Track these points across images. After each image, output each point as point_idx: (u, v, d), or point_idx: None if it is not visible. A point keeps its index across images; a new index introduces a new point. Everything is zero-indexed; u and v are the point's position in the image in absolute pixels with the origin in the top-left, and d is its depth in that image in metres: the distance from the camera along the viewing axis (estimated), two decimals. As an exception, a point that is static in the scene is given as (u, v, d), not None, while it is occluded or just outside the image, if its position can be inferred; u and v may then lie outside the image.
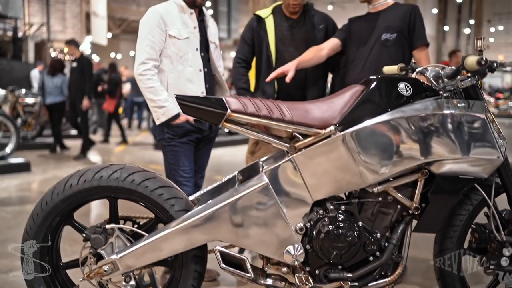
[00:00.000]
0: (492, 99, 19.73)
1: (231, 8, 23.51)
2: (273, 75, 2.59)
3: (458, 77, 1.67)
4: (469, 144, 1.65)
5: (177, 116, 2.52)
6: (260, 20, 2.99)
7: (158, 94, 2.49)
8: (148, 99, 2.52)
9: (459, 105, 1.69)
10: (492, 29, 25.82)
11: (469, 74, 1.68)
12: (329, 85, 3.19)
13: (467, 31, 27.22)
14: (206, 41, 2.71)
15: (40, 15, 17.27)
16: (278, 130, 1.75)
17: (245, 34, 3.05)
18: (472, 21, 20.89)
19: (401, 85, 1.70)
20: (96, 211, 4.29)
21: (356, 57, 2.81)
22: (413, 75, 1.84)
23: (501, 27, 25.94)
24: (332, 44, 2.85)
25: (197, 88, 2.61)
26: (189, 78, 2.58)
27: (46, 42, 17.00)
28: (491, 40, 26.27)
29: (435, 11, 27.00)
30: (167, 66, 2.56)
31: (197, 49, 2.62)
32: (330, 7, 23.58)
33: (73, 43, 7.41)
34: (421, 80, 1.76)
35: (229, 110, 1.67)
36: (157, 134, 2.67)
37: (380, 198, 1.80)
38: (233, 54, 27.60)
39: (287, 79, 2.55)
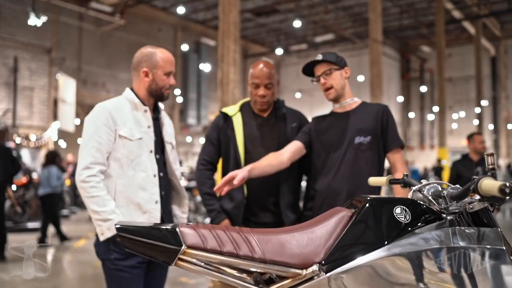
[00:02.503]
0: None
1: (201, 95, 23.80)
2: (221, 184, 2.23)
3: (466, 198, 1.37)
4: (488, 285, 1.32)
5: None
6: (227, 118, 2.72)
7: (104, 205, 2.10)
8: (91, 210, 2.12)
9: (470, 234, 1.36)
10: (455, 116, 26.79)
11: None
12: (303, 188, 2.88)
13: (430, 117, 28.19)
14: (162, 141, 2.39)
15: (6, 101, 16.99)
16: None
17: (210, 133, 2.76)
18: (435, 108, 21.71)
19: (397, 210, 1.38)
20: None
21: (326, 164, 2.52)
22: (409, 194, 1.53)
23: (462, 113, 26.97)
24: (293, 148, 2.55)
25: (150, 197, 2.24)
26: (141, 185, 2.21)
27: (10, 128, 16.56)
28: (455, 126, 27.18)
29: (400, 99, 28.01)
30: (116, 171, 2.21)
31: (151, 151, 2.28)
32: (298, 95, 24.16)
33: None
34: (419, 201, 1.46)
35: (184, 246, 1.31)
36: (100, 252, 2.22)
37: None
38: (202, 140, 27.58)
39: (235, 182, 2.20)
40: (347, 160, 2.47)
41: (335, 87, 2.52)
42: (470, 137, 5.80)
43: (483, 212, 1.39)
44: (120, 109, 2.26)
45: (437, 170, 16.39)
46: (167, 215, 2.35)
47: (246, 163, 2.60)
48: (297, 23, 19.80)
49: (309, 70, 2.61)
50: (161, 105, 2.45)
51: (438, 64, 18.67)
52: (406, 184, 1.70)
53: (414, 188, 1.51)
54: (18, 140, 16.49)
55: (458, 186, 1.43)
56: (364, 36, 22.72)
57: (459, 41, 26.18)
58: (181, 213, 2.48)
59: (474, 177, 1.27)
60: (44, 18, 12.52)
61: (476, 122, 23.55)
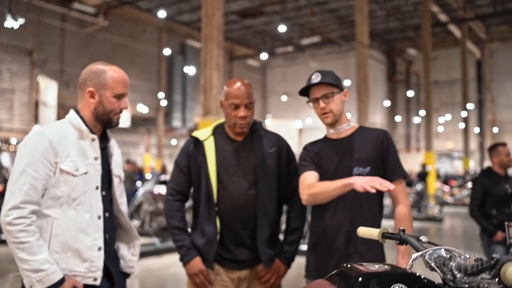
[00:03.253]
0: (446, 188, 19.84)
1: (186, 98, 23.52)
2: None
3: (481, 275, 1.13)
4: None
5: (60, 283, 1.78)
6: (197, 143, 2.47)
7: (34, 253, 1.75)
8: (18, 258, 1.76)
9: None
10: (441, 119, 26.82)
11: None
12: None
13: (416, 119, 28.22)
14: (109, 175, 2.06)
15: (-14, 104, 16.55)
16: None
17: (179, 160, 2.50)
18: (422, 111, 21.68)
19: None
20: None
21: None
22: (409, 264, 1.27)
23: (448, 116, 27.02)
24: (317, 178, 2.29)
25: (93, 242, 1.90)
26: (83, 229, 1.88)
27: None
28: (441, 129, 27.21)
29: (387, 102, 27.96)
30: (53, 211, 1.85)
31: (97, 188, 1.95)
32: (284, 98, 23.95)
33: None
34: (420, 275, 1.21)
35: None
36: None
37: None
38: (188, 142, 27.17)
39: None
40: (344, 196, 2.21)
41: (334, 112, 2.27)
42: (493, 149, 4.71)
43: None
44: (63, 138, 1.90)
45: (422, 176, 16.33)
46: (110, 260, 2.04)
47: (219, 194, 2.37)
48: (282, 28, 19.59)
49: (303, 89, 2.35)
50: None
51: (424, 67, 18.63)
52: (402, 242, 1.45)
53: (414, 256, 1.25)
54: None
55: (467, 256, 1.18)
56: (350, 39, 22.61)
57: (445, 44, 26.23)
58: (130, 255, 2.16)
59: (494, 255, 1.02)
60: (21, 20, 12.14)
61: (462, 125, 23.59)
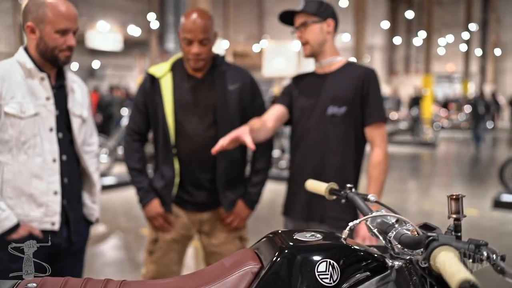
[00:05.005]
0: (443, 112, 19.68)
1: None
2: (222, 143, 1.81)
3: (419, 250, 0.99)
4: None
5: (15, 228, 1.76)
6: (154, 81, 2.26)
7: None
8: None
9: None
10: (442, 41, 26.05)
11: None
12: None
13: (417, 40, 27.44)
14: (67, 115, 1.93)
15: (-30, 26, 15.95)
16: None
17: (137, 98, 2.31)
18: (422, 33, 20.98)
19: (321, 267, 0.98)
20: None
21: (295, 136, 2.20)
22: (344, 233, 1.10)
23: (450, 37, 26.25)
24: (276, 113, 2.20)
25: (48, 187, 1.83)
26: (36, 173, 1.81)
27: (-24, 55, 15.69)
28: (442, 51, 26.51)
29: (385, 24, 26.97)
30: (3, 156, 1.78)
31: (51, 130, 1.84)
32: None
33: None
34: (355, 246, 1.07)
35: None
36: None
37: None
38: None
39: (252, 146, 1.82)
40: (315, 136, 2.12)
41: (310, 43, 2.12)
42: None
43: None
44: (7, 78, 1.77)
45: (416, 100, 16.15)
46: (73, 205, 1.96)
47: (177, 135, 2.20)
48: None
49: (290, 18, 2.20)
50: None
51: (428, -16, 17.77)
52: (348, 200, 1.30)
53: (351, 224, 1.05)
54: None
55: (408, 228, 1.02)
56: (351, -46, 21.39)
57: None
58: (91, 202, 2.07)
59: (430, 234, 0.85)
60: None
61: (463, 47, 22.99)
